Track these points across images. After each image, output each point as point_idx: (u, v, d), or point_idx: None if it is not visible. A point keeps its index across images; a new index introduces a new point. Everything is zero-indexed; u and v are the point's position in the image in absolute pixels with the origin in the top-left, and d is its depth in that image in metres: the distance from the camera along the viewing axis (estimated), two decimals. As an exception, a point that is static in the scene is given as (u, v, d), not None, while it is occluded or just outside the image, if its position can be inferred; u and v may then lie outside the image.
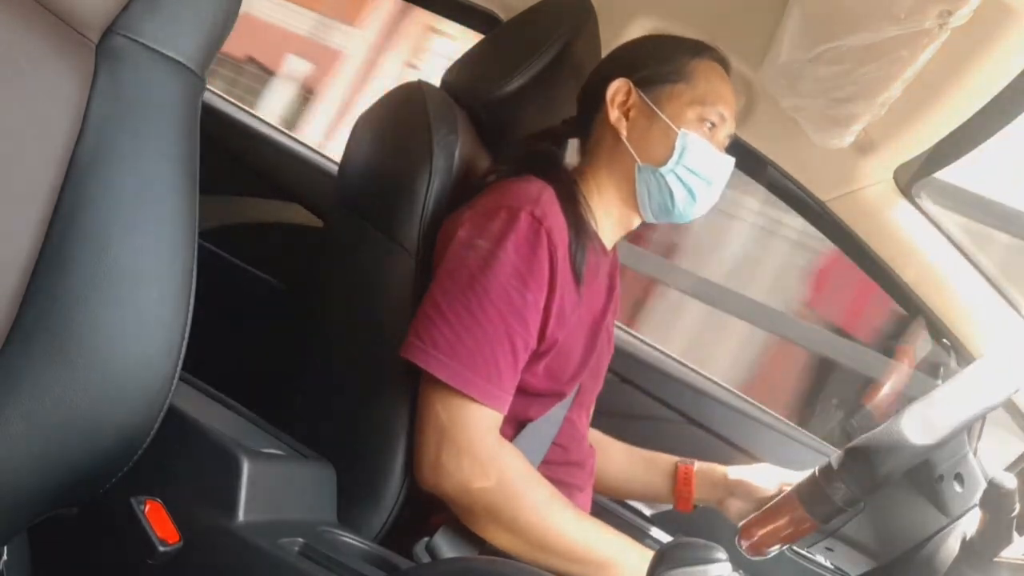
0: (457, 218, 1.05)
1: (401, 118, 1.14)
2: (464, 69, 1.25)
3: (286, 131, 1.63)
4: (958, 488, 1.01)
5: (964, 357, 1.39)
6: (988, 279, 1.37)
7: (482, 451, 0.98)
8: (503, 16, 1.50)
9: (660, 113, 1.10)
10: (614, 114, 1.12)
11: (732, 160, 1.14)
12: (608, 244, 1.17)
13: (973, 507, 1.02)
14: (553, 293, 1.02)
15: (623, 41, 1.24)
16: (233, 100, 1.65)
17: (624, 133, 1.12)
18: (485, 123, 1.21)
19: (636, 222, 1.18)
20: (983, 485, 1.00)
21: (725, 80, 1.14)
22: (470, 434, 0.98)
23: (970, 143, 1.23)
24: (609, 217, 1.16)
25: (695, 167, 1.10)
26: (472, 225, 1.02)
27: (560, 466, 1.12)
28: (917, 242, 1.38)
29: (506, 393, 1.01)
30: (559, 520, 1.00)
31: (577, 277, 1.06)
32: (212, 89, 1.57)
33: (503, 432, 1.04)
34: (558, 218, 1.04)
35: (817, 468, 1.05)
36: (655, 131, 1.11)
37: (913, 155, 1.29)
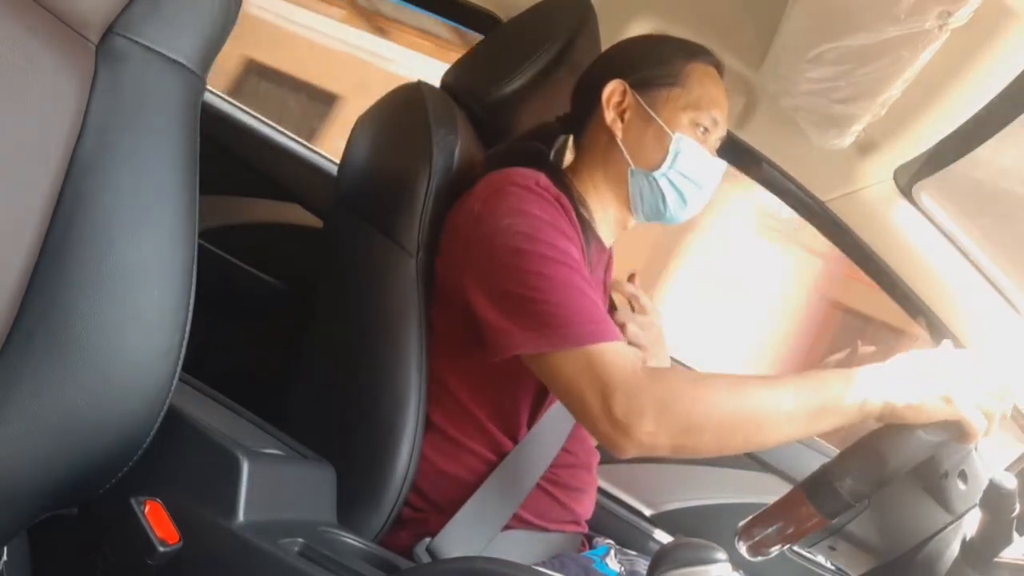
0: (457, 212, 1.05)
1: (401, 118, 1.14)
2: (464, 69, 1.25)
3: (286, 131, 1.63)
4: (962, 486, 1.01)
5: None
6: (988, 279, 1.37)
7: (640, 384, 0.91)
8: (503, 16, 1.50)
9: (655, 116, 1.10)
10: (610, 115, 1.12)
11: (724, 164, 1.14)
12: (606, 241, 1.17)
13: (975, 505, 1.02)
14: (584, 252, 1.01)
15: (623, 41, 1.23)
16: (233, 100, 1.65)
17: (619, 135, 1.12)
18: (485, 123, 1.21)
19: (631, 221, 1.18)
20: (985, 483, 1.00)
21: (719, 84, 1.14)
22: (623, 373, 0.91)
23: (970, 143, 1.23)
24: (605, 214, 1.15)
25: (687, 171, 1.10)
26: (487, 213, 1.00)
27: (567, 468, 1.11)
28: (917, 242, 1.38)
29: (612, 324, 0.95)
30: (753, 400, 0.92)
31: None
32: (212, 89, 1.57)
33: (503, 441, 1.04)
34: (559, 197, 1.03)
35: (824, 463, 1.04)
36: (649, 134, 1.11)
37: (913, 155, 1.29)
